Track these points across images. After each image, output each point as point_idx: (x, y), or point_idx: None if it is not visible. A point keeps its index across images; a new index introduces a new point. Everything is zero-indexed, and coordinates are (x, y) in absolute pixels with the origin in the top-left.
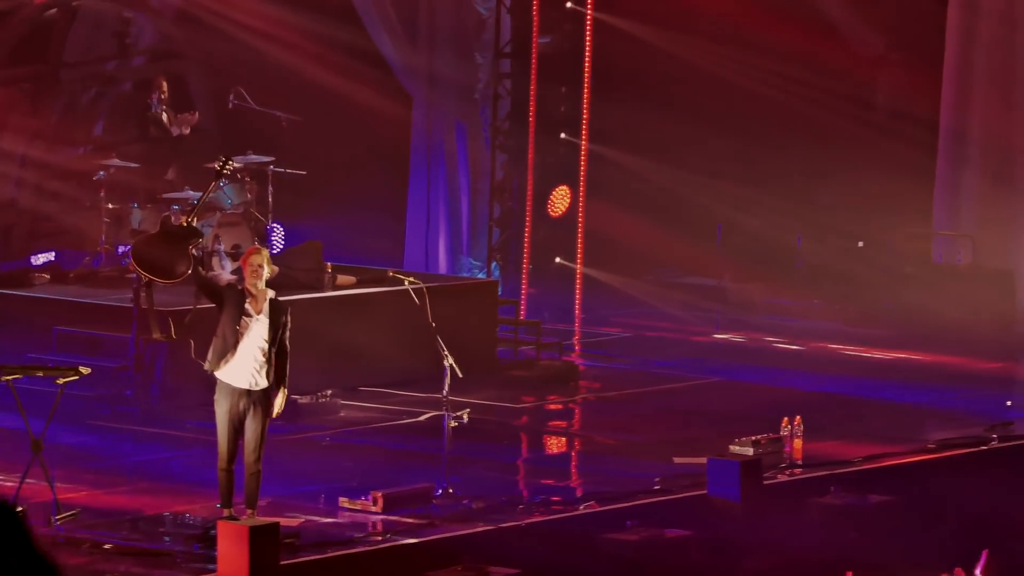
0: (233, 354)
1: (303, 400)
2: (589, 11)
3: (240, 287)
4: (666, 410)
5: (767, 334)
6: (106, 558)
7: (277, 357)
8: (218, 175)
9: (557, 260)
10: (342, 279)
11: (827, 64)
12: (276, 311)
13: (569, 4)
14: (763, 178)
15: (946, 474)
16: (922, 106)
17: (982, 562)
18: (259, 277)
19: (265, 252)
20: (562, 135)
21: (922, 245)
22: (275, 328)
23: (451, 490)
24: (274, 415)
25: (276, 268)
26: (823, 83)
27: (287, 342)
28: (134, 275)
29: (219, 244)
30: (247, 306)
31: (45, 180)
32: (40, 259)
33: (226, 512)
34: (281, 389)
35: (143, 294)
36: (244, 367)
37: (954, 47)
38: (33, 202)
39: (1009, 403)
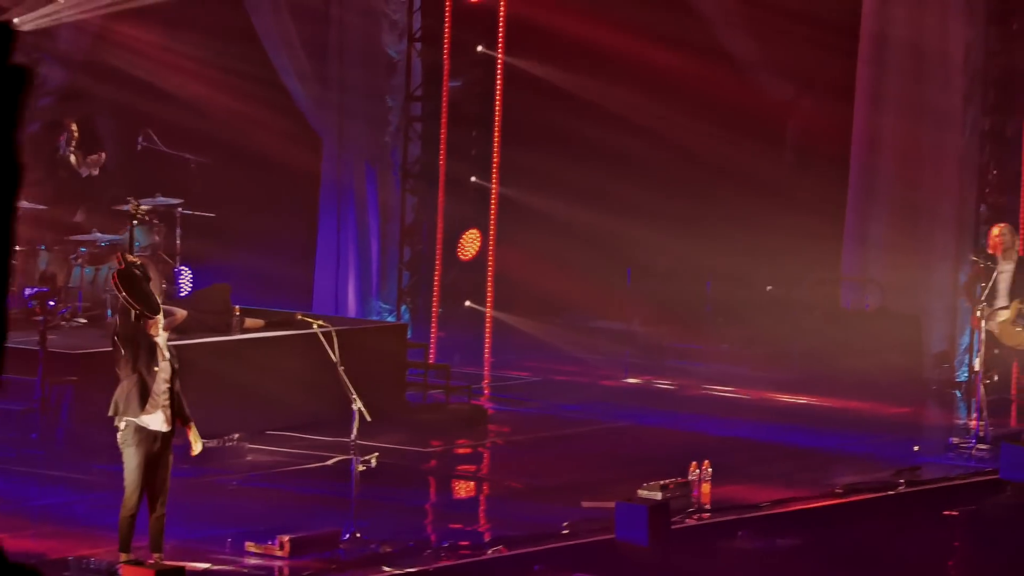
0: (149, 399)
1: (210, 444)
2: (500, 55)
3: (123, 328)
4: (575, 454)
5: (676, 378)
6: None
7: (177, 398)
8: (131, 217)
9: (467, 304)
10: (250, 322)
11: (737, 108)
12: (172, 353)
13: (480, 48)
14: (673, 222)
15: (854, 518)
16: (832, 151)
17: None
18: (154, 324)
19: (157, 300)
20: (472, 178)
21: (830, 290)
22: (174, 370)
23: (359, 534)
24: (195, 453)
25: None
26: (734, 127)
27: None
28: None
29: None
30: (157, 351)
31: None
32: None
33: (124, 557)
34: (191, 426)
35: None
36: (157, 411)
37: (865, 92)
38: None
39: (917, 448)
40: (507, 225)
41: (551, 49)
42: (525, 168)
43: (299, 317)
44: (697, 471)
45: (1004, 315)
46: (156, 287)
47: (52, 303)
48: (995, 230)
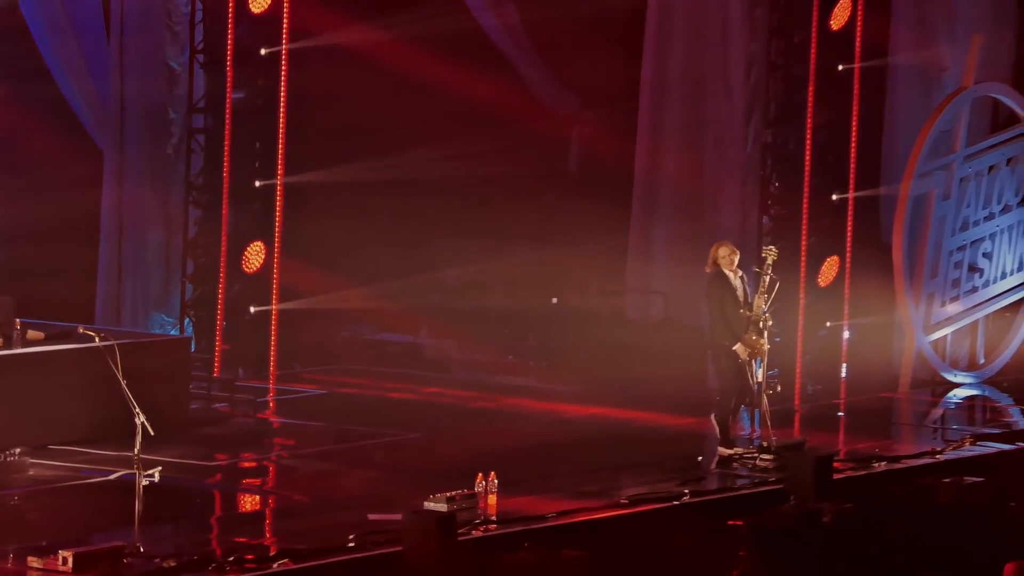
0: None
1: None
2: (284, 66)
3: None
4: (361, 467)
5: (463, 390)
6: None
7: None
8: None
9: (252, 309)
10: (32, 335)
11: (521, 123)
12: None
13: (264, 51)
14: (460, 234)
15: (640, 529)
16: (616, 164)
17: None
18: None
19: None
20: (257, 183)
21: (616, 302)
22: None
23: (142, 549)
24: None
25: None
26: (518, 142)
27: None
28: None
29: None
30: None
31: None
32: None
33: None
34: None
35: None
36: None
37: (647, 106)
38: None
39: (700, 458)
40: (293, 237)
41: (336, 60)
42: (312, 180)
43: (81, 330)
44: (483, 483)
45: None
46: None
47: None
48: (723, 250)
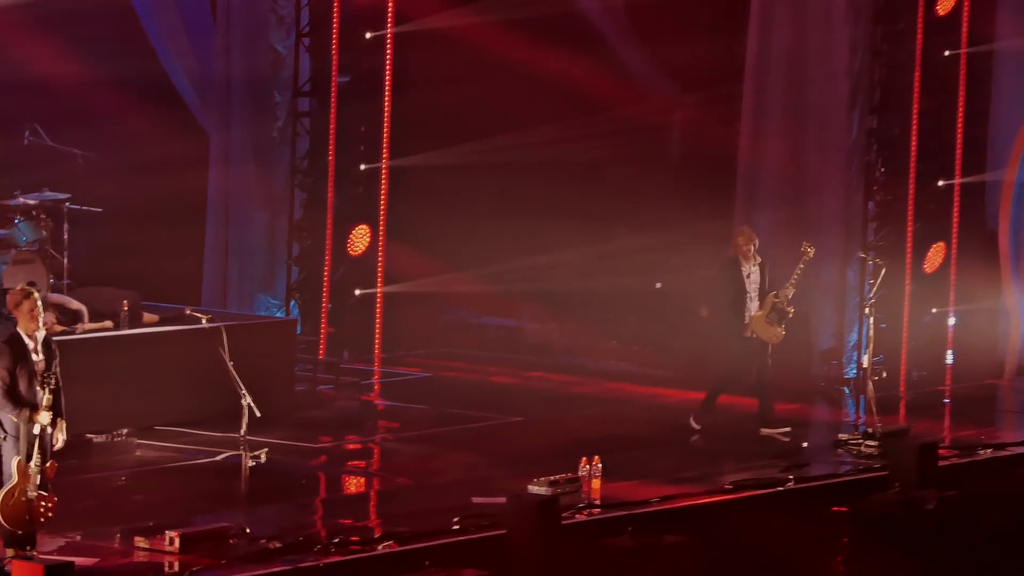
0: (28, 396)
1: (98, 439)
2: (389, 52)
3: (12, 333)
4: (465, 450)
5: (565, 375)
6: None
7: (53, 393)
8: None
9: (357, 292)
10: (147, 318)
11: (621, 107)
12: (49, 349)
13: (369, 35)
14: (562, 220)
15: (742, 514)
16: (718, 150)
17: None
18: (34, 319)
19: (38, 297)
20: (363, 166)
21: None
22: (50, 365)
23: (247, 530)
24: (57, 448)
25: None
26: (619, 126)
27: (59, 378)
28: None
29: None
30: (30, 354)
31: None
32: None
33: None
34: (60, 421)
35: None
36: (44, 413)
37: (751, 93)
38: None
39: (805, 444)
40: (397, 221)
41: (441, 45)
42: (416, 163)
43: (188, 312)
44: (587, 467)
45: (756, 310)
46: (43, 283)
47: None
48: (740, 239)
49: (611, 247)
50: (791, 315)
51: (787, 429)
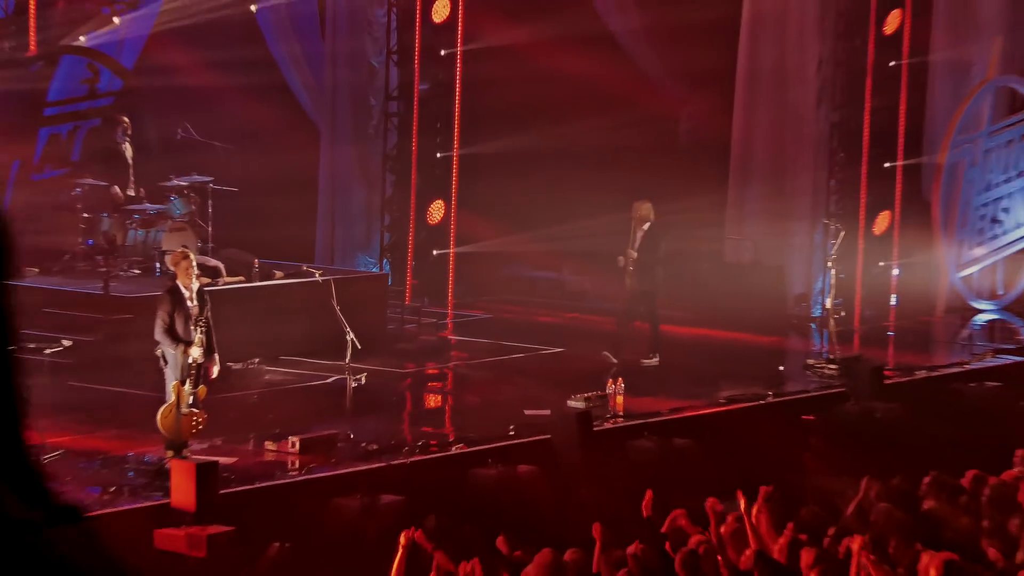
0: (185, 334)
1: (235, 367)
2: (459, 64)
3: (172, 285)
4: (518, 374)
5: (597, 315)
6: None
7: (206, 333)
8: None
9: (434, 252)
10: (277, 274)
11: (642, 104)
12: (202, 298)
13: (443, 52)
14: (596, 192)
15: (734, 422)
16: (716, 137)
17: (761, 493)
18: (190, 274)
19: (194, 257)
20: (438, 154)
21: (716, 247)
22: (203, 311)
23: (351, 436)
24: (212, 377)
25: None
26: (640, 117)
27: (211, 320)
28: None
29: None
30: (187, 301)
31: (35, 195)
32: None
33: (170, 453)
34: (214, 356)
35: None
36: (199, 346)
37: (742, 95)
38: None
39: (781, 368)
40: (465, 196)
41: (499, 57)
42: (481, 151)
43: (305, 268)
44: (613, 386)
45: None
46: (193, 246)
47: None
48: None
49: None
50: (629, 268)
51: (655, 360)
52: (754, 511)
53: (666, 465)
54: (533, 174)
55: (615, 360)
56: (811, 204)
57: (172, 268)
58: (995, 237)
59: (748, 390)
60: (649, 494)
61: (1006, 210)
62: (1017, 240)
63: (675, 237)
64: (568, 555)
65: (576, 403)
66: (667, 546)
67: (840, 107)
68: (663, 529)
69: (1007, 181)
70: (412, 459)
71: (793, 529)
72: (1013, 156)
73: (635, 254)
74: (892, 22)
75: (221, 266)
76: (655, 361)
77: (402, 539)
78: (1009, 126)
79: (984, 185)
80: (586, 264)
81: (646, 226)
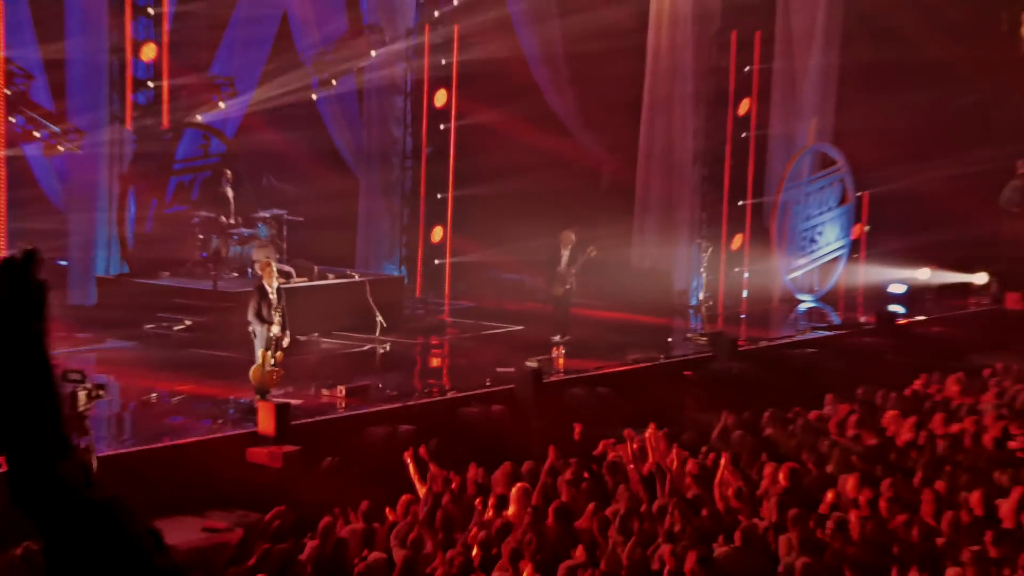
0: (268, 316)
1: (300, 338)
2: (452, 136)
3: (259, 284)
4: (493, 343)
5: (547, 305)
6: (199, 421)
7: (281, 316)
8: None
9: (436, 262)
10: (331, 276)
11: (575, 161)
12: (279, 292)
13: (442, 127)
14: (541, 222)
15: (640, 377)
16: (626, 184)
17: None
18: (272, 276)
19: (274, 264)
20: (439, 195)
21: (625, 258)
22: (280, 301)
23: (380, 385)
24: (285, 345)
25: (289, 269)
26: (573, 173)
27: (285, 307)
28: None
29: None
30: (269, 294)
31: (167, 223)
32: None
33: (258, 398)
34: (286, 331)
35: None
36: (278, 326)
37: (643, 153)
38: (160, 234)
39: (669, 339)
40: (458, 222)
41: (481, 129)
42: (467, 193)
43: (348, 272)
44: (556, 353)
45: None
46: (273, 257)
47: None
48: (565, 234)
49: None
50: (569, 285)
51: (568, 338)
52: (652, 437)
53: (592, 406)
54: (503, 208)
55: (557, 337)
56: (689, 230)
57: (259, 272)
58: (813, 252)
59: (647, 354)
60: (579, 426)
61: (820, 234)
62: (827, 254)
63: (599, 250)
64: (524, 466)
65: (531, 364)
66: (593, 465)
67: (709, 164)
68: (593, 453)
69: (820, 214)
70: (420, 401)
71: (678, 448)
72: (824, 197)
73: (563, 268)
74: (744, 107)
75: (292, 270)
76: (568, 339)
77: (410, 455)
78: (822, 177)
79: (805, 217)
80: (538, 269)
81: (569, 247)
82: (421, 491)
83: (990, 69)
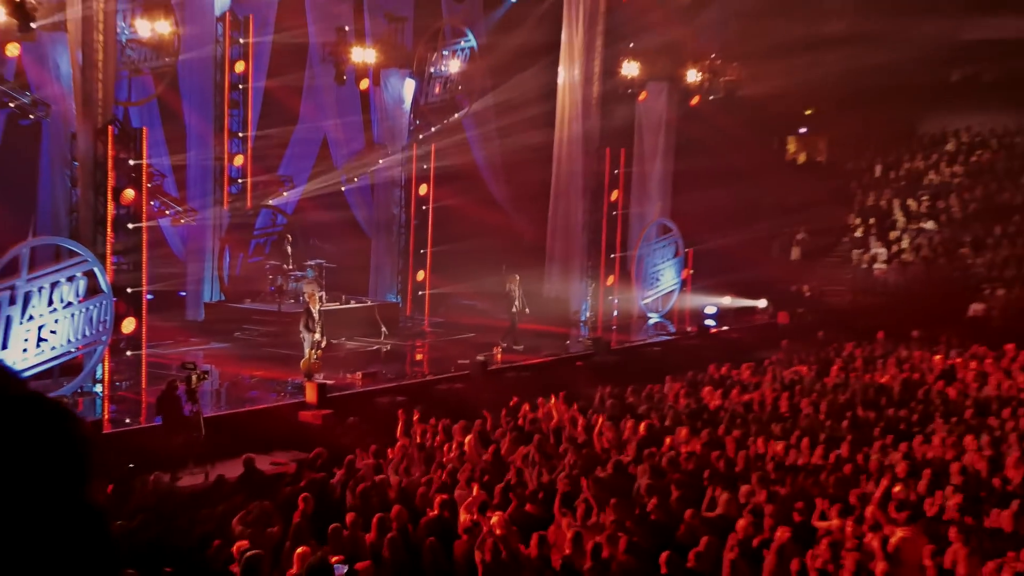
0: (313, 328)
1: (333, 341)
2: (431, 211)
3: (307, 307)
4: (459, 345)
5: (497, 320)
6: (267, 395)
7: (322, 328)
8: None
9: (419, 292)
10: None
11: (508, 228)
12: (321, 312)
13: (424, 207)
14: (491, 265)
15: (550, 365)
16: (541, 242)
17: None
18: (316, 302)
19: (317, 294)
20: (421, 250)
21: (539, 289)
22: (320, 318)
23: (384, 371)
24: (323, 345)
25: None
26: (509, 236)
27: (323, 323)
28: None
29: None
30: (314, 314)
31: (249, 269)
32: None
33: (305, 378)
34: (325, 337)
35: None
36: (319, 333)
37: (552, 222)
38: (244, 277)
39: (567, 342)
40: (435, 265)
41: (450, 209)
42: (442, 249)
43: (364, 299)
44: (497, 351)
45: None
46: (316, 289)
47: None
48: (511, 279)
49: (508, 281)
50: (515, 307)
51: (521, 347)
52: (556, 403)
53: (519, 384)
54: (462, 259)
55: (504, 345)
56: (580, 272)
57: (307, 300)
58: (657, 287)
59: (555, 351)
60: (515, 399)
61: (662, 275)
62: (666, 288)
63: (525, 285)
64: (476, 423)
65: (481, 358)
66: (519, 421)
67: (592, 231)
68: (519, 414)
69: (662, 263)
70: (410, 381)
71: (574, 410)
72: (665, 252)
73: (516, 300)
74: (614, 195)
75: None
76: (520, 348)
77: (402, 416)
78: (663, 239)
79: (652, 264)
80: (489, 297)
81: (514, 284)
82: (413, 439)
83: (766, 171)
